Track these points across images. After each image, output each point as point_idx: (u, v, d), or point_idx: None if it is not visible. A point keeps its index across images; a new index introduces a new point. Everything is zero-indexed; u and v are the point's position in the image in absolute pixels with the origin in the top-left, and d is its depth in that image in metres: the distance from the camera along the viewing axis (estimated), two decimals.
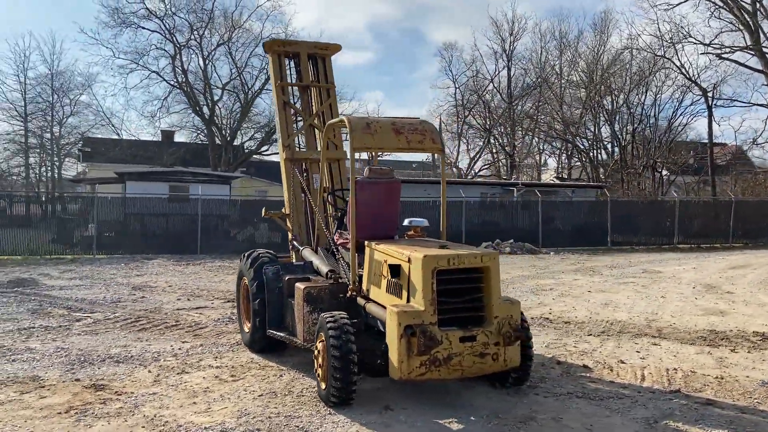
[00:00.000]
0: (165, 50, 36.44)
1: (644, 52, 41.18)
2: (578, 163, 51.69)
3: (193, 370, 7.08)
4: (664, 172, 43.98)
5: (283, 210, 8.85)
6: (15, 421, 5.45)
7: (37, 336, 8.72)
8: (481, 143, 56.76)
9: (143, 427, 5.33)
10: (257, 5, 38.87)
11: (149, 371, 7.01)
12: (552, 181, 48.92)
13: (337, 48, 9.79)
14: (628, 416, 5.71)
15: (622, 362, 7.53)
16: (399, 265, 5.83)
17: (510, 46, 51.28)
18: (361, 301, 6.39)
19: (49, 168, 44.69)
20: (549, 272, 17.08)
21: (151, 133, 49.52)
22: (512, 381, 6.31)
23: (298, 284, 6.86)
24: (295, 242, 8.48)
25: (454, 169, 63.69)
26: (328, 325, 5.80)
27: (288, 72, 9.47)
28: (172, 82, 36.50)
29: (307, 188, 8.79)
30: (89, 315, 10.28)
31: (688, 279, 15.54)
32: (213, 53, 37.31)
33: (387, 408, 5.79)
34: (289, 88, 9.38)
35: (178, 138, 41.59)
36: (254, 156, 43.54)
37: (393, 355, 5.51)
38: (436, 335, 5.48)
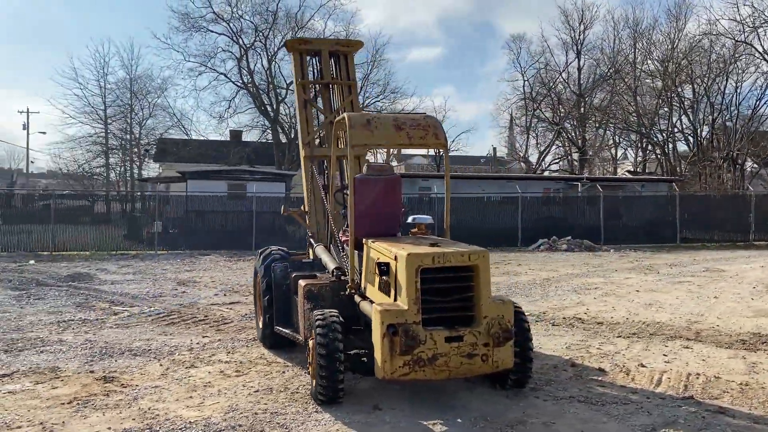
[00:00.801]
0: (231, 52, 37.43)
1: (724, 38, 39.09)
2: (654, 157, 49.69)
3: (203, 364, 7.23)
4: (748, 165, 41.65)
5: (302, 207, 8.92)
6: (20, 410, 5.71)
7: (73, 329, 9.13)
8: (551, 137, 55.57)
9: (133, 419, 5.48)
10: (320, 4, 38.75)
11: (161, 365, 7.21)
12: (623, 176, 47.23)
13: (359, 45, 9.78)
14: (626, 423, 5.43)
15: (643, 366, 7.18)
16: (387, 263, 5.76)
17: (580, 36, 49.74)
18: (357, 298, 6.35)
19: (128, 168, 46.77)
20: (601, 270, 16.50)
21: (220, 133, 51.02)
22: (511, 383, 6.13)
23: (300, 281, 6.89)
24: (311, 239, 8.52)
25: (522, 164, 62.61)
26: (317, 322, 5.79)
27: (312, 70, 9.54)
28: (238, 83, 37.47)
29: (324, 185, 8.82)
30: (128, 309, 10.69)
31: (751, 278, 14.67)
32: (276, 53, 38.02)
33: (376, 408, 5.73)
34: (314, 85, 9.44)
35: (248, 137, 42.63)
36: None
37: (377, 355, 5.45)
38: (419, 335, 5.37)
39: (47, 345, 8.13)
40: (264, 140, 40.97)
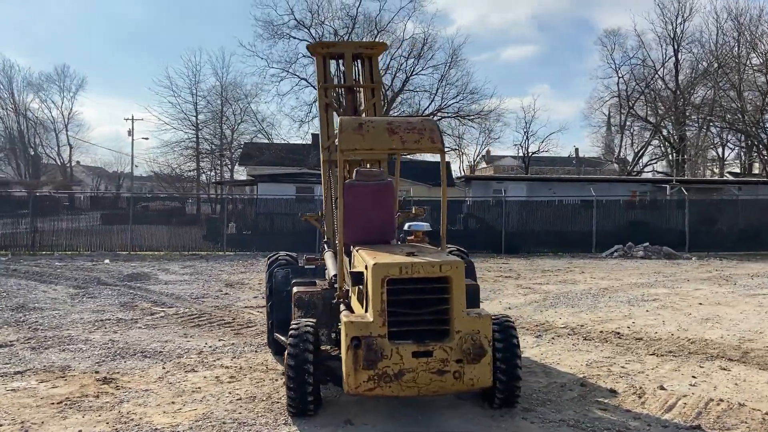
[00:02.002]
0: (312, 58, 38.05)
1: None
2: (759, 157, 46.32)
3: (203, 369, 7.26)
4: None
5: (319, 212, 8.84)
6: (10, 408, 5.90)
7: (105, 328, 9.45)
8: (647, 136, 53.06)
9: (107, 422, 5.54)
10: (400, 7, 38.76)
11: (164, 367, 7.30)
12: (723, 178, 44.30)
13: (383, 47, 9.62)
14: None
15: (662, 389, 6.57)
16: (362, 273, 5.54)
17: (678, 29, 47.12)
18: (342, 308, 6.17)
19: (219, 172, 48.51)
20: (671, 280, 15.44)
21: (301, 137, 52.10)
22: (498, 402, 5.75)
23: (294, 288, 6.78)
24: (326, 245, 8.41)
25: (616, 165, 60.04)
26: (290, 332, 5.66)
27: (337, 73, 9.47)
28: (316, 87, 38.03)
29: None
30: (165, 309, 10.97)
31: None
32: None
33: (348, 422, 5.52)
34: (338, 89, 9.37)
35: None
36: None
37: (343, 368, 5.25)
38: (383, 348, 5.12)
39: (72, 344, 8.44)
40: None
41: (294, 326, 5.71)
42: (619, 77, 51.07)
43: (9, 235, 22.30)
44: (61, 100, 61.77)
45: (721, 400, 6.21)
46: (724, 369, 7.37)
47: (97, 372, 7.11)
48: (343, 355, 5.23)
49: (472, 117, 40.96)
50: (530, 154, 63.32)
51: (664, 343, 8.61)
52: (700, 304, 11.93)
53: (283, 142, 41.34)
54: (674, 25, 47.72)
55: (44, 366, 7.36)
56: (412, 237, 6.72)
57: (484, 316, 5.39)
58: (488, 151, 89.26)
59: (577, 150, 60.35)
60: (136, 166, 65.59)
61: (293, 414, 5.58)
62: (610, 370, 7.28)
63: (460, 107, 39.52)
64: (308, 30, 38.06)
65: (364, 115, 9.17)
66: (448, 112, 39.70)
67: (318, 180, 26.67)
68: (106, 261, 18.97)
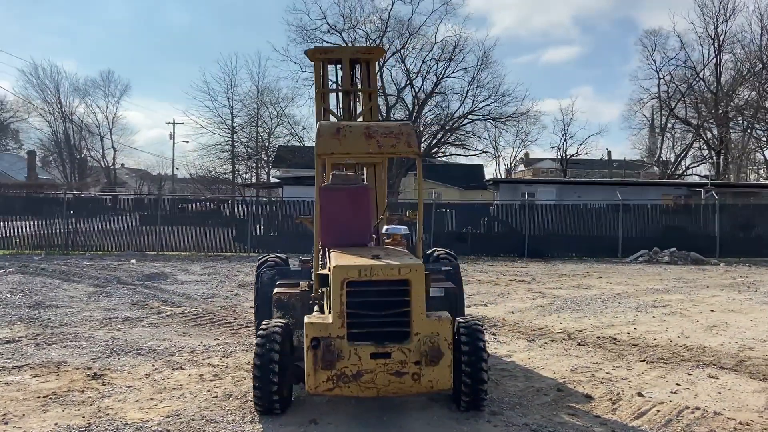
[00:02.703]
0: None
1: None
2: None
3: (191, 367, 7.46)
4: None
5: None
6: None
7: (111, 326, 9.76)
8: (689, 138, 51.87)
9: (83, 417, 5.75)
10: (432, 10, 38.78)
11: (153, 365, 7.53)
12: (759, 182, 43.03)
13: (380, 52, 9.74)
14: None
15: (640, 395, 6.51)
16: (327, 275, 5.66)
17: (719, 29, 45.99)
18: (316, 309, 6.29)
19: (255, 174, 49.25)
20: (690, 286, 15.13)
21: None
22: (464, 405, 5.79)
23: (276, 289, 6.92)
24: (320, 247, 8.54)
25: (656, 168, 58.81)
26: (258, 332, 5.80)
27: (336, 79, 9.62)
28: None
29: None
30: (173, 309, 11.27)
31: None
32: (387, 60, 38.45)
33: (312, 422, 5.63)
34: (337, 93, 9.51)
35: None
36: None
37: (305, 368, 5.37)
38: (341, 349, 5.23)
39: (75, 341, 8.75)
40: None
41: (263, 326, 5.85)
42: (659, 78, 50.08)
43: (45, 235, 23.11)
44: (106, 105, 63.54)
45: (697, 408, 6.12)
46: (713, 377, 7.24)
47: (89, 368, 7.37)
48: (305, 355, 5.35)
49: (504, 119, 40.66)
50: (568, 157, 62.57)
51: (658, 350, 8.49)
52: (712, 311, 11.68)
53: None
54: (715, 24, 46.64)
55: (42, 361, 7.66)
56: (390, 240, 6.80)
57: (443, 319, 5.44)
58: (526, 154, 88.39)
59: (609, 153, 59.35)
60: (177, 168, 67.00)
61: (260, 412, 5.72)
62: (594, 376, 7.23)
63: (490, 110, 39.25)
64: (340, 34, 38.44)
65: (360, 118, 9.30)
66: (478, 115, 39.48)
67: None
68: (132, 261, 19.50)
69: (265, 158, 47.41)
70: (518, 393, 6.53)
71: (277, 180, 26.90)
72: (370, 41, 38.50)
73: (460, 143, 42.41)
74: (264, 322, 5.97)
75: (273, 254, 8.28)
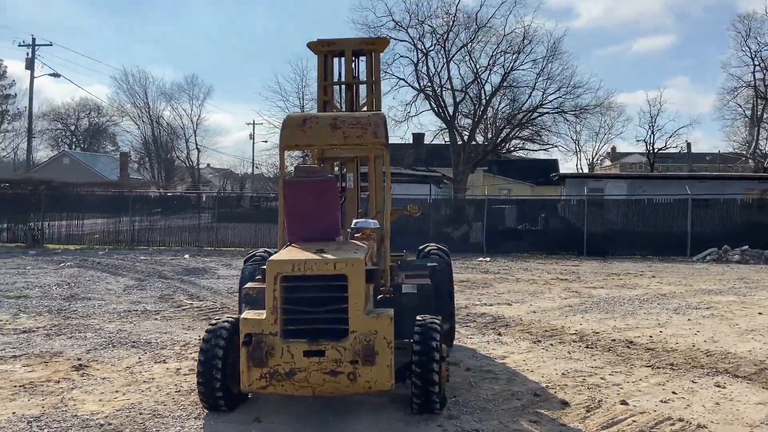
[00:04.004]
0: (409, 58, 38.12)
1: None
2: None
3: (175, 361, 7.50)
4: None
5: None
6: None
7: (125, 319, 10.00)
8: None
9: (42, 407, 5.83)
10: (501, 2, 37.80)
11: (139, 358, 7.62)
12: None
13: (385, 42, 9.45)
14: None
15: (624, 403, 5.99)
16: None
17: None
18: None
19: None
20: (750, 287, 14.00)
21: (400, 136, 52.21)
22: (416, 408, 5.49)
23: (247, 284, 6.84)
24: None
25: (750, 162, 55.17)
26: (207, 328, 5.73)
27: (339, 71, 9.45)
28: (414, 86, 38.06)
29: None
30: (194, 302, 11.45)
31: None
32: (454, 55, 37.94)
33: (256, 420, 5.49)
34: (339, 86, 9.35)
35: (434, 140, 43.11)
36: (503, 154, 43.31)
37: (240, 365, 5.24)
38: (272, 346, 5.06)
39: (83, 332, 9.00)
40: (444, 142, 41.12)
41: (213, 322, 5.77)
42: (754, 66, 46.97)
43: (113, 232, 24.24)
44: (191, 108, 66.04)
45: (680, 420, 5.56)
46: (719, 386, 6.59)
47: (79, 359, 7.54)
48: (240, 351, 5.22)
49: (576, 112, 39.18)
50: (655, 151, 59.81)
51: (673, 355, 7.84)
52: (760, 314, 10.74)
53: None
54: None
55: (41, 351, 7.91)
56: (359, 234, 6.56)
57: (383, 316, 5.17)
58: (613, 148, 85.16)
59: (689, 145, 56.12)
60: (258, 167, 68.90)
61: (207, 408, 5.64)
62: (584, 381, 6.73)
63: (561, 103, 37.88)
64: (406, 30, 38.16)
65: (365, 108, 9.11)
66: (548, 108, 38.21)
67: (396, 179, 26.78)
68: (186, 256, 20.07)
69: None
70: (489, 397, 6.15)
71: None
72: (437, 36, 38.09)
73: (530, 138, 41.33)
74: (215, 318, 5.89)
75: (262, 249, 8.21)
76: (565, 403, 5.99)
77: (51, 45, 53.62)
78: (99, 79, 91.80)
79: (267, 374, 5.09)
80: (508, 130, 38.90)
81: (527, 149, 43.54)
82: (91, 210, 24.98)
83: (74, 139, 74.44)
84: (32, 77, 45.65)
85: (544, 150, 42.54)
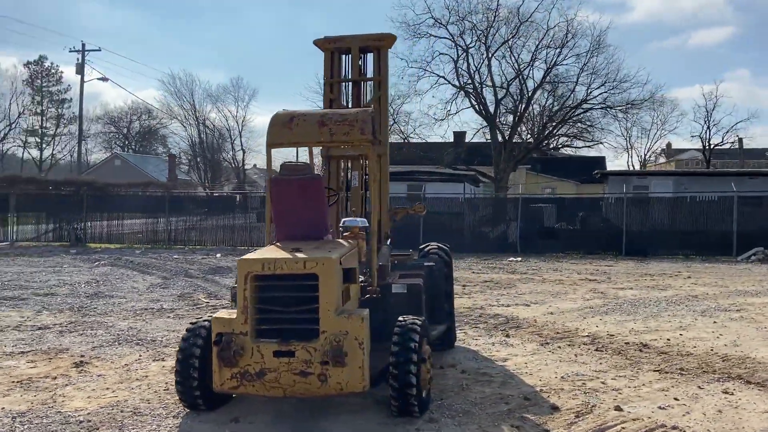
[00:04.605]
0: (449, 55, 37.81)
1: None
2: None
3: (170, 359, 7.44)
4: None
5: None
6: None
7: (140, 317, 10.14)
8: None
9: (31, 403, 5.92)
10: None
11: (140, 355, 7.69)
12: None
13: (392, 39, 9.29)
14: None
15: (618, 409, 5.72)
16: None
17: None
18: None
19: None
20: None
21: (440, 135, 51.48)
22: (394, 411, 5.36)
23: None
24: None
25: None
26: (186, 327, 5.71)
27: (345, 68, 9.36)
28: (454, 84, 37.70)
29: (344, 186, 8.63)
30: (210, 301, 11.54)
31: None
32: (495, 51, 37.43)
33: (234, 420, 5.44)
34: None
35: (475, 138, 42.66)
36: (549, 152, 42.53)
37: (213, 365, 5.20)
38: (242, 346, 5.00)
39: (95, 329, 9.15)
40: (486, 140, 40.63)
41: (193, 321, 5.76)
42: None
43: (152, 231, 24.79)
44: (236, 109, 67.22)
45: (675, 428, 5.28)
46: (727, 393, 6.23)
47: (82, 356, 7.65)
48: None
49: (623, 107, 38.11)
50: (711, 147, 57.94)
51: (687, 359, 7.47)
52: None
53: (420, 140, 41.52)
54: None
55: (48, 348, 8.07)
56: (348, 233, 6.45)
57: (354, 317, 5.05)
58: (668, 145, 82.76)
59: (740, 140, 54.08)
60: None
61: (187, 407, 5.62)
62: (583, 385, 6.46)
63: (606, 97, 36.89)
64: (446, 27, 37.85)
65: (372, 106, 8.99)
66: (592, 104, 37.28)
67: (430, 178, 26.58)
68: (218, 255, 20.33)
69: None
70: (477, 400, 5.96)
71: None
72: (478, 32, 37.65)
73: (575, 135, 40.47)
74: (196, 318, 5.88)
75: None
76: (555, 408, 5.76)
77: (99, 50, 54.96)
78: (149, 83, 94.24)
79: (238, 374, 5.04)
80: (551, 127, 38.18)
81: (572, 146, 42.70)
82: (131, 210, 25.59)
83: (126, 142, 76.62)
84: (82, 82, 47.12)
85: (588, 147, 41.65)
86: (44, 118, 67.58)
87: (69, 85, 66.96)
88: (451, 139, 42.44)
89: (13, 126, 63.87)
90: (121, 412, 5.66)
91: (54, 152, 68.42)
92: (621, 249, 21.12)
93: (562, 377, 6.75)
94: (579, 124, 39.26)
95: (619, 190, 27.45)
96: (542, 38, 37.32)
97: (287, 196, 6.24)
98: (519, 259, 19.65)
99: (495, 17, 37.84)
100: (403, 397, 5.23)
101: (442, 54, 38.04)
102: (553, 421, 5.45)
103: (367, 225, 6.46)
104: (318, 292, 5.03)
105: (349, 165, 8.83)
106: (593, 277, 15.20)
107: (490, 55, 37.99)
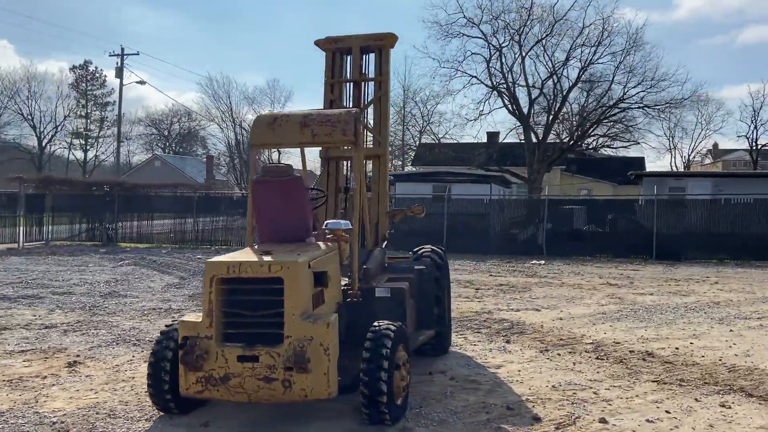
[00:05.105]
0: (481, 54, 37.39)
1: None
2: None
3: None
4: None
5: None
6: None
7: (146, 317, 10.21)
8: None
9: (14, 402, 5.97)
10: None
11: (133, 356, 7.71)
12: None
13: (393, 38, 9.16)
14: None
15: (602, 421, 5.49)
16: None
17: None
18: None
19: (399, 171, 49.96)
20: None
21: (472, 135, 51.07)
22: (365, 418, 5.23)
23: None
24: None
25: None
26: (161, 329, 5.69)
27: (346, 68, 9.27)
28: (487, 84, 37.27)
29: (340, 189, 8.55)
30: None
31: None
32: (529, 50, 36.88)
33: (205, 424, 5.39)
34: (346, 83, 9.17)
35: (507, 138, 42.18)
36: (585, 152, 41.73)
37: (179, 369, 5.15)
38: (206, 350, 4.93)
39: (98, 329, 9.23)
40: (519, 140, 40.09)
41: (168, 324, 5.73)
42: None
43: (179, 231, 25.13)
44: (272, 111, 67.69)
45: None
46: (725, 406, 5.93)
47: (77, 356, 7.72)
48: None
49: (661, 107, 37.11)
50: (759, 147, 56.25)
51: (690, 370, 7.16)
52: None
53: (453, 141, 41.26)
54: None
55: (48, 347, 8.16)
56: (332, 236, 6.34)
57: (320, 322, 4.93)
58: (715, 145, 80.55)
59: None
60: None
61: (160, 410, 5.59)
62: (574, 395, 6.22)
63: (643, 96, 35.94)
64: (478, 26, 37.44)
65: (371, 108, 8.89)
66: (629, 103, 36.38)
67: (455, 179, 26.31)
68: None
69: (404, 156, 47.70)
70: (458, 409, 5.79)
71: (391, 177, 26.86)
72: (512, 31, 37.15)
73: (612, 135, 39.62)
74: (171, 321, 5.85)
75: None
76: (536, 419, 5.55)
77: (138, 54, 56.23)
78: (188, 86, 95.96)
79: (203, 379, 4.98)
80: (586, 126, 37.43)
81: (609, 146, 41.80)
82: (161, 210, 25.98)
83: (167, 143, 78.09)
84: (121, 85, 48.19)
85: (625, 147, 40.73)
86: (89, 121, 69.37)
87: (112, 89, 68.57)
88: (484, 140, 42.00)
89: (60, 128, 65.90)
90: (96, 414, 5.66)
91: (97, 154, 70.17)
92: (651, 252, 20.53)
93: (553, 386, 6.52)
94: (617, 124, 38.45)
95: (654, 191, 26.81)
96: (577, 36, 36.68)
97: (268, 197, 6.17)
98: (542, 262, 19.26)
99: (529, 15, 37.35)
100: (373, 405, 5.10)
101: (474, 54, 37.69)
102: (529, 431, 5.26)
103: (350, 227, 6.34)
104: (283, 296, 4.94)
105: (348, 166, 8.73)
106: (615, 281, 14.78)
107: (524, 54, 37.48)
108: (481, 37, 37.73)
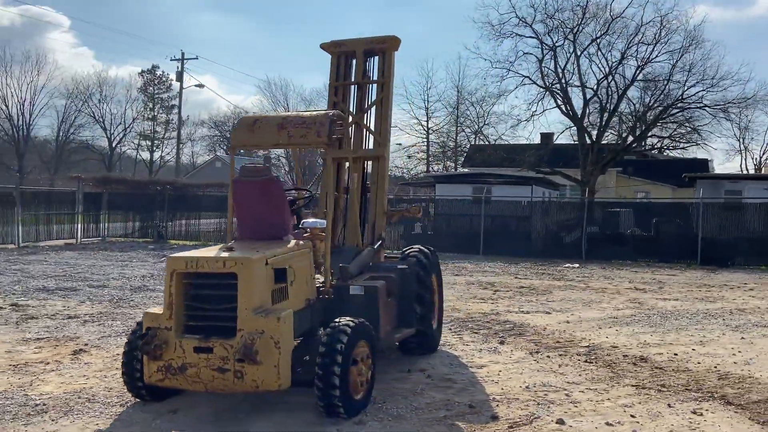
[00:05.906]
0: (534, 54, 36.89)
1: None
2: None
3: None
4: None
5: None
6: None
7: None
8: None
9: (10, 384, 6.41)
10: None
11: None
12: None
13: (395, 41, 9.28)
14: None
15: (560, 422, 5.49)
16: None
17: None
18: None
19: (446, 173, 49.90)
20: None
21: (525, 136, 50.30)
22: (322, 410, 5.40)
23: None
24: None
25: None
26: (138, 320, 6.00)
27: (351, 71, 9.45)
28: (538, 83, 36.74)
29: (342, 188, 8.74)
30: None
31: None
32: (584, 51, 36.15)
33: (173, 411, 5.68)
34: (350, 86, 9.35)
35: (558, 139, 41.50)
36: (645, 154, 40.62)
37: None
38: (165, 341, 5.21)
39: (114, 320, 9.71)
40: (573, 141, 39.37)
41: (144, 314, 6.03)
42: None
43: (224, 229, 25.91)
44: None
45: None
46: (696, 413, 5.81)
47: (85, 344, 8.17)
48: None
49: (722, 106, 35.66)
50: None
51: (677, 376, 7.02)
52: None
53: (503, 142, 40.83)
54: None
55: (63, 336, 8.67)
56: (308, 234, 6.53)
57: (271, 317, 5.13)
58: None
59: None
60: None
61: (134, 396, 5.91)
62: (544, 396, 6.22)
63: (702, 96, 34.62)
64: (531, 26, 36.96)
65: (372, 110, 9.04)
66: (688, 102, 35.12)
67: (496, 181, 26.07)
68: None
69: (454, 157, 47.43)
70: (421, 405, 5.88)
71: (431, 178, 26.89)
72: (567, 30, 36.49)
73: (673, 136, 38.47)
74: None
75: None
76: (494, 418, 5.59)
77: (197, 58, 58.10)
78: (247, 89, 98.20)
79: (163, 368, 5.25)
80: (643, 127, 36.42)
81: (670, 148, 40.59)
82: (208, 209, 26.86)
83: (228, 145, 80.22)
84: (181, 88, 50.09)
85: (684, 148, 39.43)
86: (155, 123, 72.07)
87: (177, 92, 71.02)
88: (537, 141, 41.45)
89: (128, 130, 68.76)
90: (78, 398, 6.03)
91: (162, 154, 72.77)
92: (696, 257, 19.89)
93: (527, 387, 6.52)
94: (681, 126, 37.26)
95: (709, 194, 25.87)
96: (634, 35, 35.71)
97: (247, 197, 6.42)
98: (576, 265, 18.93)
99: (584, 14, 36.60)
100: (326, 398, 5.26)
101: (526, 53, 37.21)
102: (482, 430, 5.30)
103: (325, 225, 6.52)
104: (237, 291, 5.16)
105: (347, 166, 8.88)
106: (643, 286, 14.44)
107: (578, 54, 36.76)
108: (533, 37, 37.19)
